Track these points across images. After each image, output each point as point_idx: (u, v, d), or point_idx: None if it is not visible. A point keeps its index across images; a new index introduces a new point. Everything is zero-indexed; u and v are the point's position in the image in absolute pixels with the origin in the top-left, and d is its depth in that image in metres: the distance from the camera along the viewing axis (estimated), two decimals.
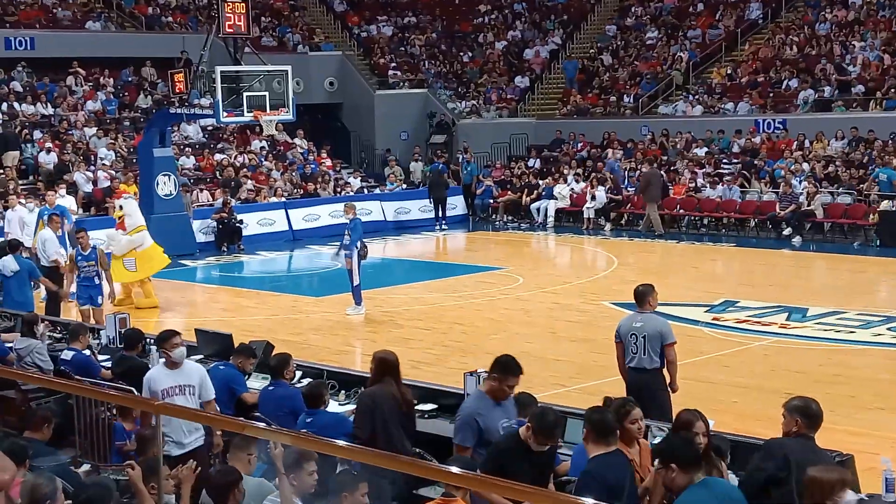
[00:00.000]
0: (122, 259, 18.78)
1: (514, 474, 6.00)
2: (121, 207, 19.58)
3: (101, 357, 11.26)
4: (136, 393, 9.13)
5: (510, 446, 6.66)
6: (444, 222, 29.26)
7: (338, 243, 18.22)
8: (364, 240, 17.79)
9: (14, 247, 15.79)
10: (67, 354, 10.71)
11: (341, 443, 5.95)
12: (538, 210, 29.33)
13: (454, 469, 4.80)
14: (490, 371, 7.40)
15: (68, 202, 22.02)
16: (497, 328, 16.65)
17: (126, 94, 32.53)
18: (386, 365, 8.21)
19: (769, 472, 6.47)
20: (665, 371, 9.78)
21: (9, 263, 15.22)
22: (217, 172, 29.11)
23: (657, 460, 6.21)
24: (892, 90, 29.13)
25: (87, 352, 10.97)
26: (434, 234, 28.62)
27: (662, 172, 28.38)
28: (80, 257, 15.83)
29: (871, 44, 31.15)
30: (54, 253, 17.22)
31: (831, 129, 28.59)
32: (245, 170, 29.37)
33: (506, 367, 7.27)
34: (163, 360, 8.83)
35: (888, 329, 15.63)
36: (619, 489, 6.22)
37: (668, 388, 9.76)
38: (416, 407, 8.59)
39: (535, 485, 5.15)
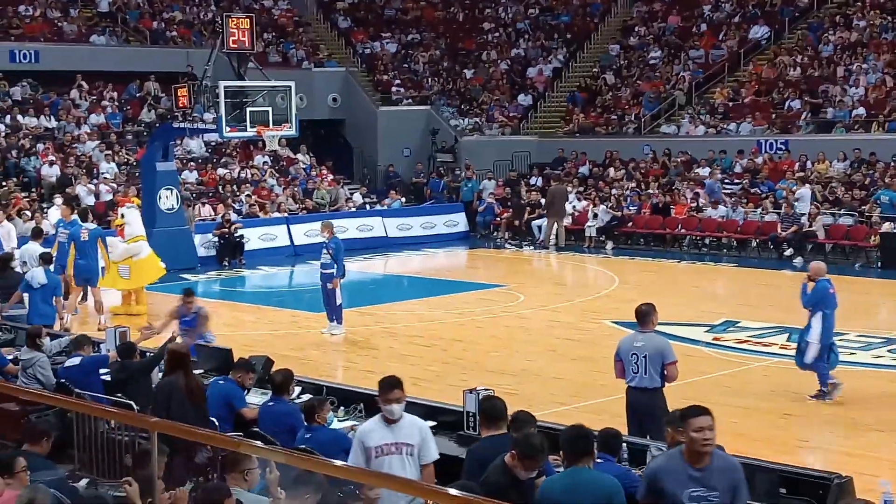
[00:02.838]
0: (118, 266, 18.90)
1: None
2: (122, 216, 19.67)
3: (101, 371, 11.28)
4: (135, 408, 9.16)
5: (498, 480, 6.50)
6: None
7: (317, 262, 17.78)
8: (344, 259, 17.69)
9: (47, 260, 15.73)
10: (75, 360, 10.86)
11: (339, 463, 5.91)
12: (540, 228, 29.34)
13: (452, 491, 4.72)
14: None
15: (54, 215, 21.66)
16: (498, 346, 16.64)
17: (129, 108, 32.59)
18: (175, 357, 9.29)
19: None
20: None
21: (38, 276, 15.10)
22: (219, 187, 29.15)
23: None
24: (894, 112, 29.17)
25: None
26: (436, 251, 28.64)
27: (568, 190, 29.45)
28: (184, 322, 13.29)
29: (873, 66, 31.21)
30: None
31: (833, 150, 28.62)
32: (247, 185, 29.44)
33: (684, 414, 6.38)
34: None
35: (888, 351, 15.62)
36: None
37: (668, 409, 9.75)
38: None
39: None
